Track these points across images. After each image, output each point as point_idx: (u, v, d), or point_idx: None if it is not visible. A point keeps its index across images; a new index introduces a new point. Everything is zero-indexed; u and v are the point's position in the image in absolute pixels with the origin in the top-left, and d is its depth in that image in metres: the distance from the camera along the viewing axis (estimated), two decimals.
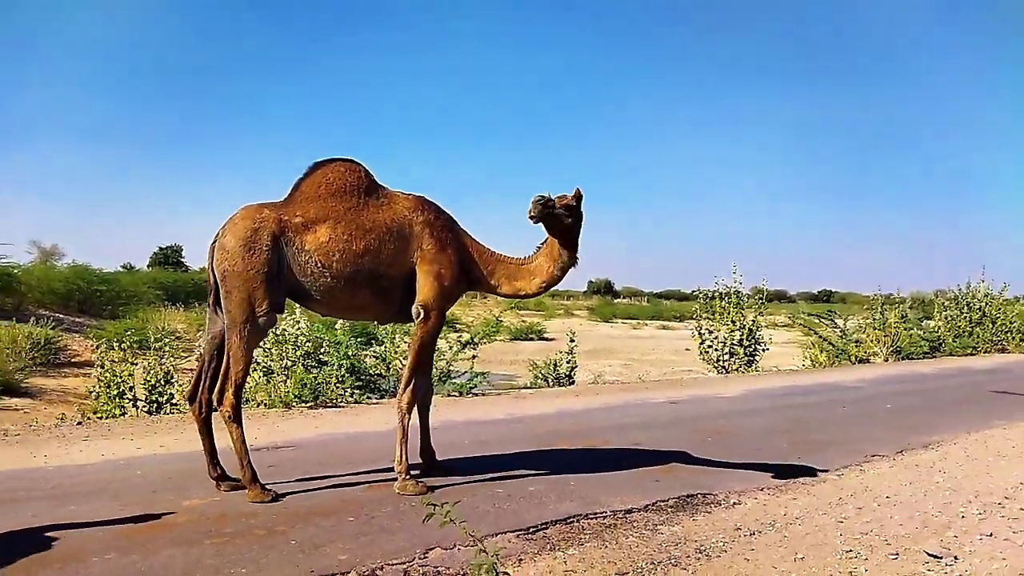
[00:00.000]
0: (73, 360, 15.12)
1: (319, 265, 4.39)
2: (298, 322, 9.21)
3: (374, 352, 10.32)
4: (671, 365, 18.39)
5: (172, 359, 8.93)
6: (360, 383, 9.24)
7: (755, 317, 13.43)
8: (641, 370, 15.71)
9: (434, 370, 9.88)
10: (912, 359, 15.89)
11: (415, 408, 4.79)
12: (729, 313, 13.24)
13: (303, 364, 8.97)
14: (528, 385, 11.45)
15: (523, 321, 29.64)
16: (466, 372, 9.91)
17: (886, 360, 15.52)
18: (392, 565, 3.46)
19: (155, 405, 8.50)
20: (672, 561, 3.61)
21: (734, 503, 4.63)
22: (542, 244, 4.87)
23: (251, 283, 4.24)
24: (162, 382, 8.60)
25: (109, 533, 3.75)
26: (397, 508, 4.30)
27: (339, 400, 8.53)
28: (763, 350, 13.52)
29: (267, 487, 4.48)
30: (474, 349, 10.26)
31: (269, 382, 8.91)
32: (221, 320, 4.45)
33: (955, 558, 3.74)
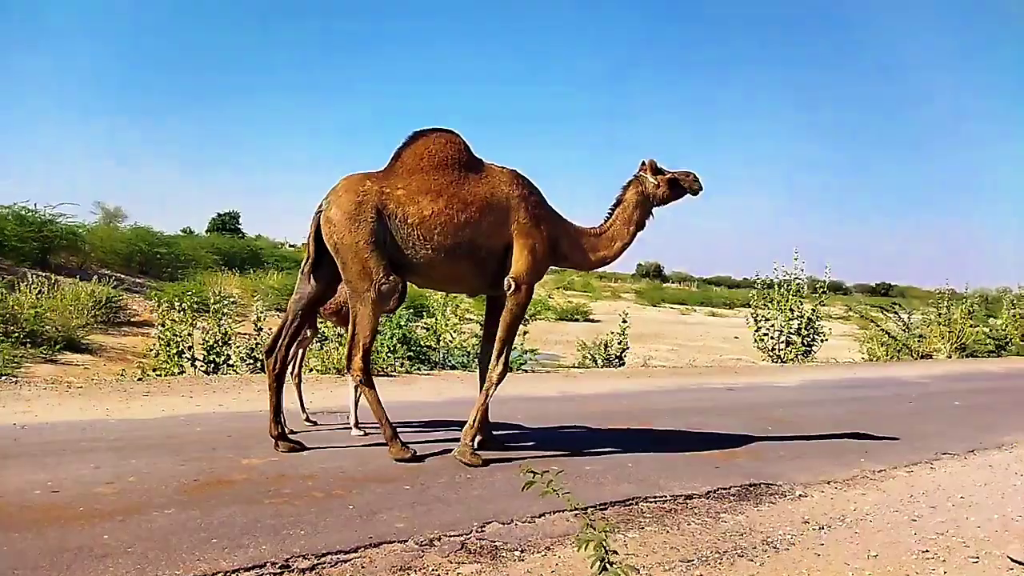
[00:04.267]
0: (133, 320, 15.51)
1: (421, 238, 4.39)
2: None
3: (424, 324, 10.34)
4: (720, 352, 18.01)
5: (230, 322, 9.06)
6: (411, 354, 9.23)
7: (815, 307, 13.02)
8: (689, 356, 15.43)
9: (467, 346, 9.90)
10: (976, 357, 15.27)
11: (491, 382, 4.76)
12: (788, 301, 12.85)
13: None
14: (576, 365, 11.33)
15: (569, 301, 29.41)
16: (515, 348, 9.83)
17: (949, 357, 14.94)
18: (449, 536, 3.40)
19: (212, 365, 8.64)
20: (738, 551, 3.47)
21: (800, 495, 4.45)
22: (615, 209, 5.01)
23: (362, 253, 4.28)
24: (220, 343, 8.74)
25: (170, 488, 3.78)
26: (453, 479, 4.24)
27: (390, 370, 8.54)
28: (822, 340, 13.11)
29: (407, 445, 4.54)
30: (524, 325, 10.14)
31: (322, 348, 8.97)
32: (311, 286, 4.58)
33: None
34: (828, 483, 4.75)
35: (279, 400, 4.62)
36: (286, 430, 4.68)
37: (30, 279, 12.56)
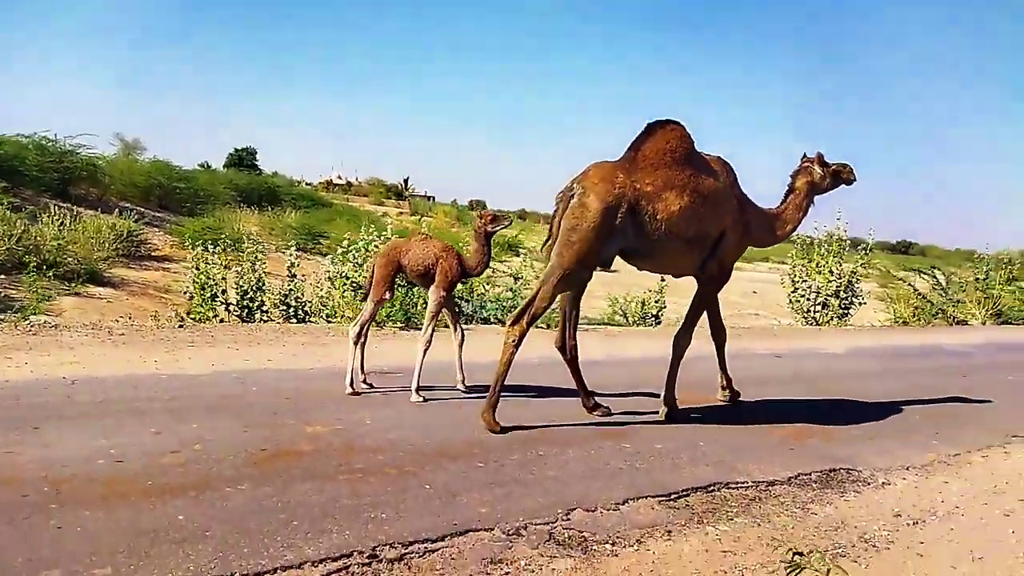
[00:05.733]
0: (153, 254, 15.38)
1: (665, 230, 4.57)
2: (388, 239, 8.94)
3: None
4: (740, 308, 17.73)
5: (263, 264, 8.82)
6: None
7: (855, 268, 12.69)
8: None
9: (501, 299, 9.64)
10: (1011, 324, 14.95)
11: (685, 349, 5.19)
12: (828, 262, 12.50)
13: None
14: (606, 321, 11.06)
15: None
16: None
17: (983, 323, 14.64)
18: (535, 525, 3.22)
19: (247, 311, 8.47)
20: (838, 550, 3.28)
21: (883, 483, 4.26)
22: (790, 194, 5.42)
23: (594, 240, 4.43)
24: (254, 289, 8.54)
25: (238, 459, 3.62)
26: (525, 456, 4.06)
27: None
28: (860, 303, 12.82)
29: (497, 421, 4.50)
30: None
31: (356, 295, 8.77)
32: None
33: None
34: (907, 468, 4.56)
35: (581, 378, 4.97)
36: (596, 398, 5.01)
37: (52, 210, 12.36)
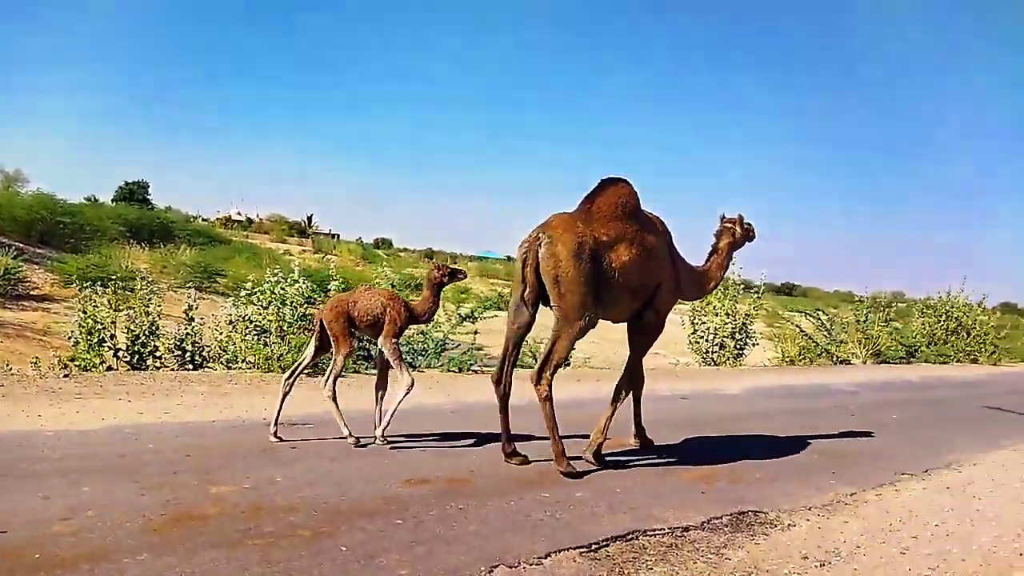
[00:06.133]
0: (32, 293, 14.38)
1: (617, 279, 4.90)
2: (296, 281, 8.69)
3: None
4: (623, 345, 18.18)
5: (158, 306, 8.36)
6: (360, 354, 8.76)
7: (749, 310, 13.31)
8: (610, 351, 15.48)
9: (430, 342, 9.48)
10: (889, 363, 16.04)
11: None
12: (724, 304, 13.06)
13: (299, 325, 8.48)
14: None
15: (493, 289, 29.11)
16: (461, 347, 9.53)
17: (864, 362, 15.63)
18: None
19: (138, 357, 7.97)
20: None
21: (788, 524, 4.41)
22: (713, 253, 5.92)
23: (582, 288, 4.71)
24: (146, 332, 8.07)
25: (136, 525, 3.36)
26: (444, 511, 3.97)
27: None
28: (753, 344, 13.43)
29: (571, 462, 4.85)
30: (473, 323, 9.85)
31: (259, 340, 8.44)
32: (528, 313, 4.91)
33: None
34: (810, 508, 4.74)
35: (508, 421, 5.00)
36: (516, 447, 5.02)
37: None
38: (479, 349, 9.83)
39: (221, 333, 8.66)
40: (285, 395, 5.05)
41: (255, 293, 8.62)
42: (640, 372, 5.64)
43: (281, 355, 8.02)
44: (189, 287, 9.33)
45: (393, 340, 5.06)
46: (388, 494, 4.12)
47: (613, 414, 5.27)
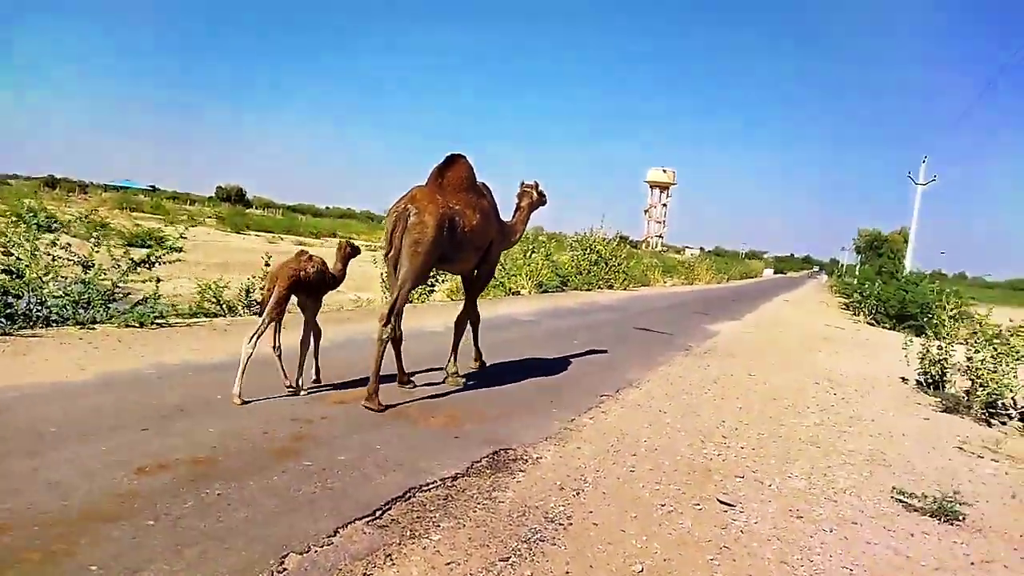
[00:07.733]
0: None
1: (467, 240, 5.83)
2: None
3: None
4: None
5: None
6: None
7: None
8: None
9: (93, 291, 7.86)
10: (548, 292, 17.93)
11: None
12: None
13: None
14: (197, 312, 9.70)
15: (137, 224, 25.51)
16: (146, 301, 8.14)
17: (530, 293, 17.24)
18: None
19: None
20: (538, 537, 3.51)
21: (537, 458, 4.70)
22: (517, 211, 6.99)
23: (433, 250, 5.45)
24: None
25: None
26: (200, 500, 3.42)
27: None
28: (442, 281, 13.89)
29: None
30: (150, 268, 8.40)
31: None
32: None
33: (739, 505, 4.32)
34: (546, 440, 5.11)
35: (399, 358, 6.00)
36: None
37: None
38: (159, 297, 8.41)
39: None
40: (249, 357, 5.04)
41: None
42: (476, 310, 6.76)
43: None
44: None
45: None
46: (121, 490, 3.40)
47: (458, 343, 6.57)
